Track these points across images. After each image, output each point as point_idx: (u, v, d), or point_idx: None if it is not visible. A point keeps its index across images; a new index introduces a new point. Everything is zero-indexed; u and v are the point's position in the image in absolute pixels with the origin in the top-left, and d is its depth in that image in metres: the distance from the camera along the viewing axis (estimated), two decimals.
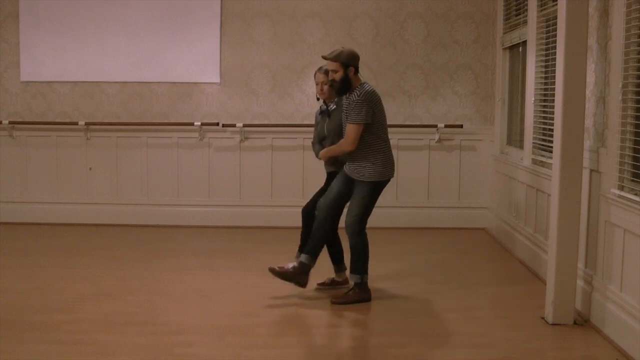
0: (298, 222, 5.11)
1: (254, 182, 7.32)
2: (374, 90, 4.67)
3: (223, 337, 4.15)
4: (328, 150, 4.81)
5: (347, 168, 4.76)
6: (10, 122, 7.32)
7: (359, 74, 4.71)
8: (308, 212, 5.02)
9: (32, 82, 7.35)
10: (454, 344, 4.06)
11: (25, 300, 4.74)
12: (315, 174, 7.23)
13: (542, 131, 5.57)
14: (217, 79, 7.28)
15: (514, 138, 6.71)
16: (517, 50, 6.49)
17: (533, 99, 5.72)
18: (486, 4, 7.12)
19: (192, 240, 6.73)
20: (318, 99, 5.03)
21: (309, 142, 4.98)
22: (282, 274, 4.72)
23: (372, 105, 4.60)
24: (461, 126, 7.18)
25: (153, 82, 7.31)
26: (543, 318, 4.42)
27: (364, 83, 4.68)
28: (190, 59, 7.25)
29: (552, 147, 4.58)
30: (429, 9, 7.16)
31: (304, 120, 7.20)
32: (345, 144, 4.62)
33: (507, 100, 6.85)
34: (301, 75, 7.24)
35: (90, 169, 7.38)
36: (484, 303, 4.86)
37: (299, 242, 5.09)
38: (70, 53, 7.27)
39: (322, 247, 4.82)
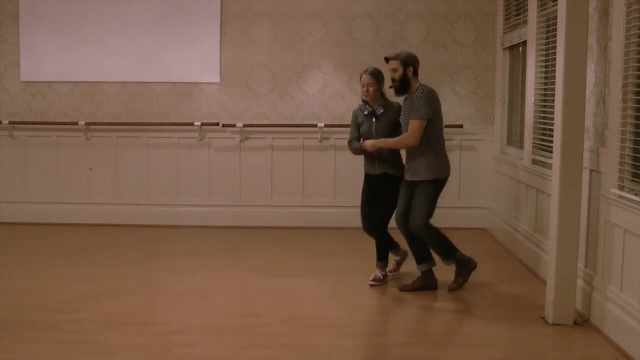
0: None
1: (254, 182, 7.32)
2: (434, 90, 4.87)
3: (223, 337, 4.15)
4: (383, 142, 4.92)
5: (409, 173, 4.92)
6: (10, 122, 7.32)
7: (417, 76, 4.90)
8: (373, 227, 5.16)
9: (32, 82, 7.35)
10: (454, 344, 4.06)
11: (25, 300, 4.74)
12: (315, 174, 7.25)
13: (542, 131, 5.57)
14: (217, 79, 7.28)
15: (514, 138, 6.71)
16: (517, 50, 6.49)
17: (533, 99, 5.72)
18: (486, 4, 7.12)
19: (192, 240, 6.73)
20: (364, 101, 5.13)
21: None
22: (415, 288, 4.98)
23: (434, 103, 4.80)
24: (461, 126, 7.18)
25: (153, 82, 7.31)
26: (543, 318, 4.42)
27: (422, 84, 4.89)
28: (190, 59, 7.25)
29: (552, 147, 4.58)
30: (429, 9, 7.16)
31: (304, 120, 7.20)
32: (410, 138, 4.77)
33: (507, 100, 6.85)
34: (301, 75, 7.24)
35: (90, 169, 7.38)
36: (484, 303, 4.85)
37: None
38: (70, 53, 7.27)
39: (447, 245, 5.00)
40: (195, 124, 7.23)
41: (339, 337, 4.24)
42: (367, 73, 5.04)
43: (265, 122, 7.29)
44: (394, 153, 5.08)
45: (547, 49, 5.51)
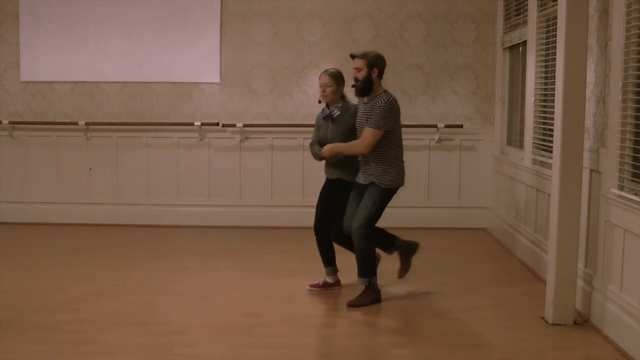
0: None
1: (254, 182, 7.32)
2: (395, 100, 4.67)
3: (223, 337, 4.15)
4: (337, 146, 4.73)
5: (362, 176, 4.74)
6: (10, 122, 7.32)
7: (381, 80, 4.68)
8: (318, 229, 4.96)
9: (32, 82, 7.35)
10: (454, 344, 4.06)
11: (25, 300, 4.74)
12: (315, 174, 7.24)
13: (542, 131, 5.57)
14: (217, 79, 7.28)
15: (514, 138, 6.71)
16: (517, 50, 6.49)
17: (533, 99, 5.72)
18: (486, 4, 7.12)
19: (192, 240, 6.73)
20: (320, 102, 4.99)
21: (309, 142, 4.98)
22: (360, 304, 4.69)
23: (395, 114, 4.63)
24: (461, 126, 7.18)
25: (153, 82, 7.31)
26: (543, 318, 4.42)
27: (386, 90, 4.68)
28: (190, 59, 7.25)
29: (552, 147, 4.58)
30: (429, 9, 7.16)
31: (304, 120, 7.20)
32: (361, 146, 4.58)
33: (507, 100, 6.85)
34: (301, 75, 7.24)
35: (90, 169, 7.38)
36: (484, 303, 4.86)
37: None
38: (70, 53, 7.27)
39: (374, 260, 4.80)
40: (195, 124, 7.23)
41: (338, 337, 4.24)
42: (327, 73, 4.83)
43: (265, 122, 7.29)
44: (351, 159, 4.80)
45: (547, 49, 5.51)
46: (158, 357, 3.84)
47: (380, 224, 4.65)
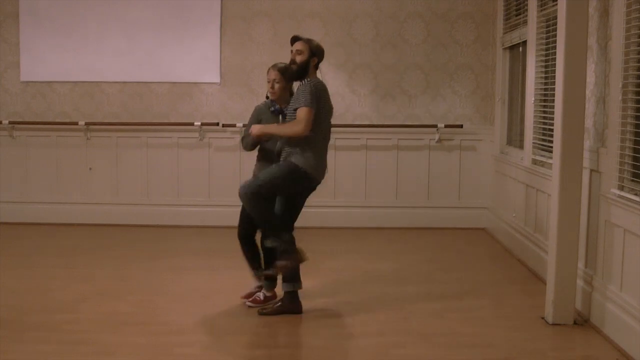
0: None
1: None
2: (325, 86, 4.40)
3: (223, 337, 4.15)
4: (271, 127, 4.40)
5: (281, 158, 4.41)
6: (10, 122, 7.32)
7: (318, 71, 4.45)
8: (243, 236, 4.70)
9: (32, 82, 7.35)
10: (454, 344, 4.06)
11: (25, 300, 4.74)
12: None
13: (542, 131, 5.57)
14: (217, 79, 7.28)
15: (514, 138, 6.71)
16: (517, 50, 6.49)
17: (533, 99, 5.72)
18: (486, 4, 7.12)
19: (192, 240, 6.73)
20: (267, 98, 4.67)
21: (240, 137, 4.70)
22: (276, 312, 4.48)
23: (318, 94, 4.29)
24: (461, 126, 7.18)
25: (153, 82, 7.31)
26: (543, 318, 4.42)
27: (318, 78, 4.43)
28: (190, 59, 7.25)
29: (552, 147, 4.58)
30: (429, 9, 7.16)
31: None
32: (299, 125, 4.22)
33: (507, 100, 6.85)
34: None
35: (90, 169, 7.38)
36: (484, 303, 4.85)
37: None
38: (70, 53, 7.27)
39: (279, 229, 4.39)
40: (195, 124, 7.23)
41: (338, 337, 4.24)
42: (275, 69, 4.55)
43: None
44: (290, 152, 4.38)
45: (547, 49, 5.51)
46: (158, 357, 3.84)
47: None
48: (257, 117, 4.66)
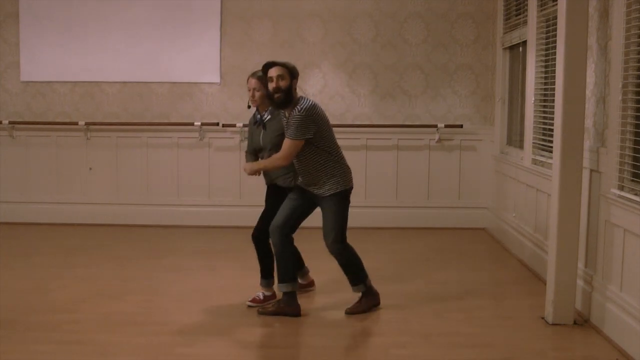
0: None
1: (254, 182, 7.27)
2: (315, 104, 4.38)
3: (223, 337, 4.15)
4: (257, 164, 4.52)
5: (309, 187, 4.50)
6: (10, 122, 7.32)
7: (297, 88, 4.47)
8: (257, 238, 4.70)
9: (32, 82, 7.35)
10: (454, 344, 4.06)
11: (25, 300, 4.74)
12: None
13: (542, 131, 5.57)
14: (217, 79, 7.29)
15: (514, 138, 6.71)
16: (517, 50, 6.49)
17: (533, 99, 5.72)
18: (486, 4, 7.12)
19: (192, 240, 6.73)
20: (249, 107, 4.70)
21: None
22: (273, 312, 4.50)
23: (314, 119, 4.32)
24: (461, 126, 7.18)
25: (153, 82, 7.32)
26: (543, 318, 4.42)
27: (302, 97, 4.41)
28: (190, 59, 7.25)
29: (552, 147, 4.58)
30: (429, 9, 7.16)
31: None
32: (281, 159, 4.34)
33: (507, 100, 6.85)
34: (301, 75, 7.09)
35: (90, 169, 7.38)
36: (484, 303, 4.85)
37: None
38: (70, 53, 7.27)
39: (294, 266, 4.59)
40: (195, 124, 7.23)
41: (338, 337, 4.24)
42: (255, 77, 4.54)
43: None
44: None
45: (547, 49, 5.51)
46: (158, 357, 3.84)
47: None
48: (250, 133, 4.77)
